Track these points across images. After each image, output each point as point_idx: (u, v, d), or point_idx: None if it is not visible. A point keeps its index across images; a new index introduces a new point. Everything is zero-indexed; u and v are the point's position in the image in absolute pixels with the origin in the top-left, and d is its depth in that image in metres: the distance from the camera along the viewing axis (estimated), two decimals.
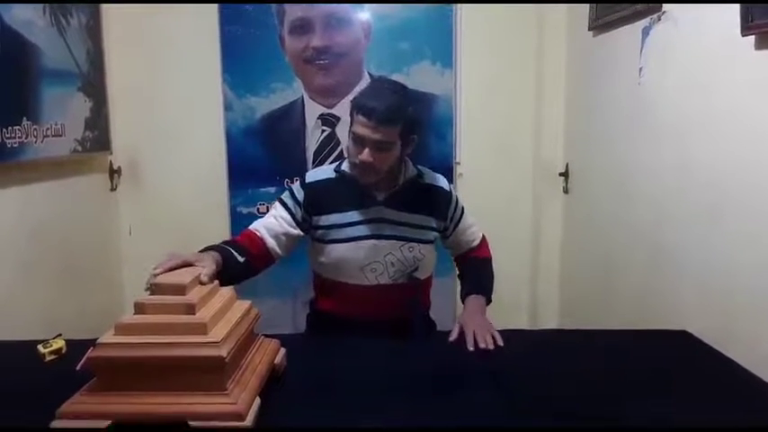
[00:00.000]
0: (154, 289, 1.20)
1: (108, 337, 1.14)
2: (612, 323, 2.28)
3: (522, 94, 3.02)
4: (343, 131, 2.75)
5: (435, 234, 1.81)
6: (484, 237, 1.97)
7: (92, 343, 1.50)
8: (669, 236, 1.90)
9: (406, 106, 1.64)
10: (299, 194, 1.74)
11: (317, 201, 1.74)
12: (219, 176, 2.84)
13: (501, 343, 1.53)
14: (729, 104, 1.60)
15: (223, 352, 1.10)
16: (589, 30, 2.52)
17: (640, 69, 2.06)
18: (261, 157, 2.80)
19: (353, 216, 1.72)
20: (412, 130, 1.68)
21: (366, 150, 1.60)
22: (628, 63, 2.14)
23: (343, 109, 2.73)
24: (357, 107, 1.61)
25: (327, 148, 2.74)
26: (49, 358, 1.46)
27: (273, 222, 1.72)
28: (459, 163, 2.88)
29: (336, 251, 1.72)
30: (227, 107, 2.77)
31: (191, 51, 2.90)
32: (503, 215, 3.07)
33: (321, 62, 2.73)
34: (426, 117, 2.76)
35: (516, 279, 3.14)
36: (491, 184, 3.03)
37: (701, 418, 1.19)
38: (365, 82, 2.73)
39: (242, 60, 2.74)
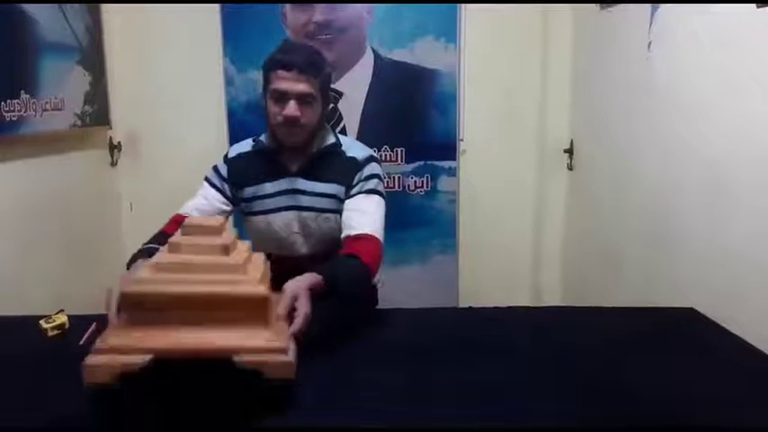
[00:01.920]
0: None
1: (146, 272, 1.12)
2: (617, 301, 2.28)
3: (528, 70, 2.98)
4: (345, 107, 2.73)
5: None
6: (375, 242, 1.58)
7: (94, 318, 1.50)
8: (676, 213, 1.88)
9: (322, 62, 1.63)
10: (223, 169, 1.76)
11: (239, 174, 1.73)
12: (221, 152, 2.75)
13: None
14: (741, 77, 1.56)
15: (265, 290, 1.10)
16: (597, 2, 2.48)
17: (649, 44, 2.02)
18: (263, 132, 2.74)
19: (269, 188, 1.71)
20: (328, 88, 1.68)
21: (291, 103, 1.57)
22: (636, 37, 2.10)
23: (345, 84, 2.71)
24: (274, 63, 1.58)
25: (330, 123, 2.70)
26: (51, 333, 1.45)
27: (203, 203, 1.73)
28: (462, 140, 2.85)
29: (256, 223, 1.74)
30: (228, 81, 2.74)
31: (191, 25, 2.86)
32: (506, 192, 3.07)
33: (323, 37, 2.68)
34: (430, 93, 2.75)
35: (519, 256, 3.15)
36: (495, 160, 3.02)
37: (710, 396, 1.18)
38: (368, 57, 2.71)
39: (243, 34, 2.70)
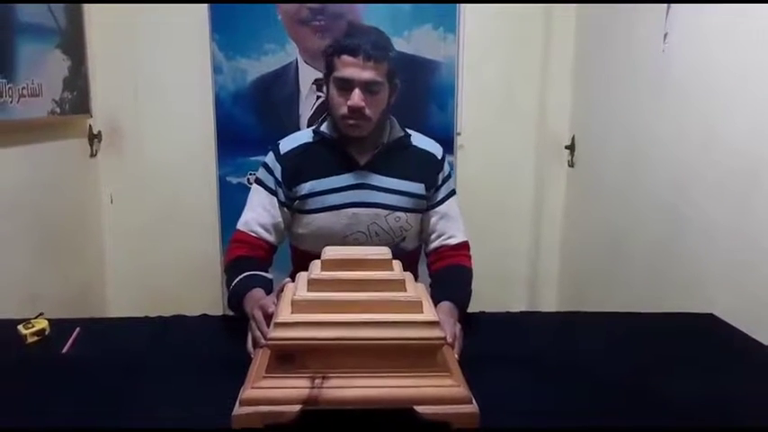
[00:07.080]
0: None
1: (301, 316, 1.00)
2: (619, 302, 2.21)
3: (528, 63, 2.89)
4: None
5: (425, 203, 1.67)
6: (469, 245, 1.70)
7: (76, 322, 1.39)
8: (693, 210, 1.81)
9: (389, 44, 1.54)
10: (277, 170, 1.61)
11: (296, 170, 1.60)
12: (207, 143, 2.69)
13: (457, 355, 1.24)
14: None
15: (442, 332, 1.00)
16: (600, 2, 2.40)
17: (665, 35, 1.94)
18: (252, 123, 2.65)
19: (333, 182, 1.58)
20: (395, 73, 1.56)
21: (356, 92, 1.47)
22: (650, 29, 2.02)
23: None
24: (339, 49, 1.49)
25: (323, 114, 2.60)
26: (30, 340, 1.32)
27: (266, 216, 1.60)
28: (459, 134, 2.76)
29: (315, 221, 1.59)
30: (216, 69, 2.61)
31: (177, 9, 2.71)
32: (504, 189, 3.00)
33: (316, 23, 2.58)
34: (427, 85, 2.65)
35: (516, 256, 3.08)
36: (493, 156, 2.93)
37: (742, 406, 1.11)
38: None
39: (232, 20, 2.58)
